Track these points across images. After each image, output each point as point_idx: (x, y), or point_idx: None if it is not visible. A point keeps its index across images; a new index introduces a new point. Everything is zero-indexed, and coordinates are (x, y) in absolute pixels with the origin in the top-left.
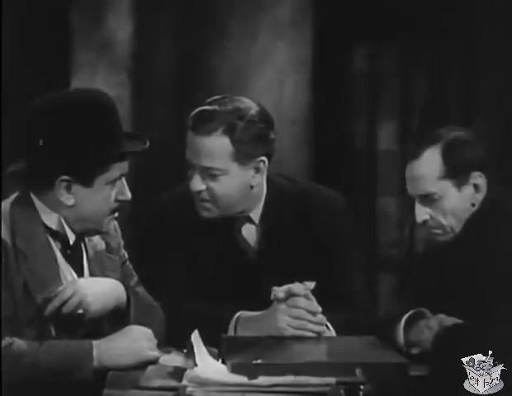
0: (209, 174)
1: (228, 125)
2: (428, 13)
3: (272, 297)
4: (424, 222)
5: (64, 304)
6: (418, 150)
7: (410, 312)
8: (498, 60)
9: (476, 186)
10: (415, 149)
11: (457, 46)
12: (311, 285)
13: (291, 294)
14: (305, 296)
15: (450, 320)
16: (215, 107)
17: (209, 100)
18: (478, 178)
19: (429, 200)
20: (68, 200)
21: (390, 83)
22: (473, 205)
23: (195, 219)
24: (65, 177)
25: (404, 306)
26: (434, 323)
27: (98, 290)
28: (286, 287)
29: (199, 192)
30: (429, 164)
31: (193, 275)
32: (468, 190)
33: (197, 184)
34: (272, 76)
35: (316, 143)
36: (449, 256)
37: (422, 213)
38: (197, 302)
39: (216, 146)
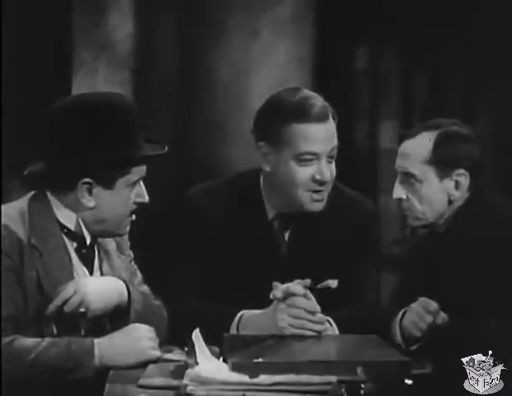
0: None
1: (331, 110)
2: (430, 13)
3: (271, 296)
4: (399, 200)
5: (65, 302)
6: (416, 131)
7: (405, 308)
8: (499, 60)
9: (457, 183)
10: (414, 130)
11: (459, 46)
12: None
13: (289, 294)
14: (304, 295)
15: (431, 302)
16: (309, 94)
17: (277, 93)
18: (462, 176)
19: (408, 181)
20: (89, 202)
21: (392, 82)
22: (450, 201)
23: (228, 211)
24: (87, 180)
25: (402, 304)
26: (414, 305)
27: (99, 289)
28: (284, 286)
29: (324, 183)
30: (419, 145)
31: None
32: (449, 184)
33: (327, 173)
34: (274, 74)
35: None
36: (438, 253)
37: (399, 191)
38: (203, 300)
39: (332, 131)
